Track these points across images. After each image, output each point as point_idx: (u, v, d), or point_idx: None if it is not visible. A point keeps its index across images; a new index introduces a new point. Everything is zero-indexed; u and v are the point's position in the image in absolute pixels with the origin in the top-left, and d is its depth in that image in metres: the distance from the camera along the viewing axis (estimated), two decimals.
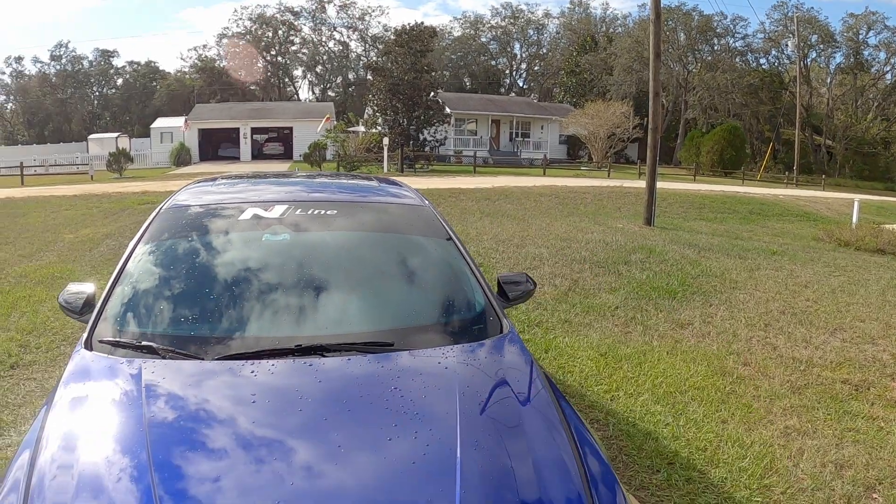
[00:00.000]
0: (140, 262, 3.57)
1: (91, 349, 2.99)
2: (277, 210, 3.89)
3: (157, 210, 4.09)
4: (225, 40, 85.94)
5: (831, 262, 13.32)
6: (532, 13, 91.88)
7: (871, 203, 29.23)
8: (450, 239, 3.93)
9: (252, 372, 2.74)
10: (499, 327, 3.33)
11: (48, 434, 2.42)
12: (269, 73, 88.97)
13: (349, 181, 5.81)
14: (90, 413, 2.55)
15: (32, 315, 8.22)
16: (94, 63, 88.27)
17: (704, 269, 11.46)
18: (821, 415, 5.71)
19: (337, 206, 4.15)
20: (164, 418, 2.47)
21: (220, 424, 2.50)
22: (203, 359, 2.88)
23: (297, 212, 3.91)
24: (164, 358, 2.87)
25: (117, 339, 3.02)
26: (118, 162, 38.87)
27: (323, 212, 3.97)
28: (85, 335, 3.10)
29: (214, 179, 5.10)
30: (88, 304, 3.57)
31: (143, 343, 2.96)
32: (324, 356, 2.88)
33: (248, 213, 3.87)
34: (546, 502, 2.23)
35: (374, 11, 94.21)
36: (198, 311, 3.26)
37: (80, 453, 2.29)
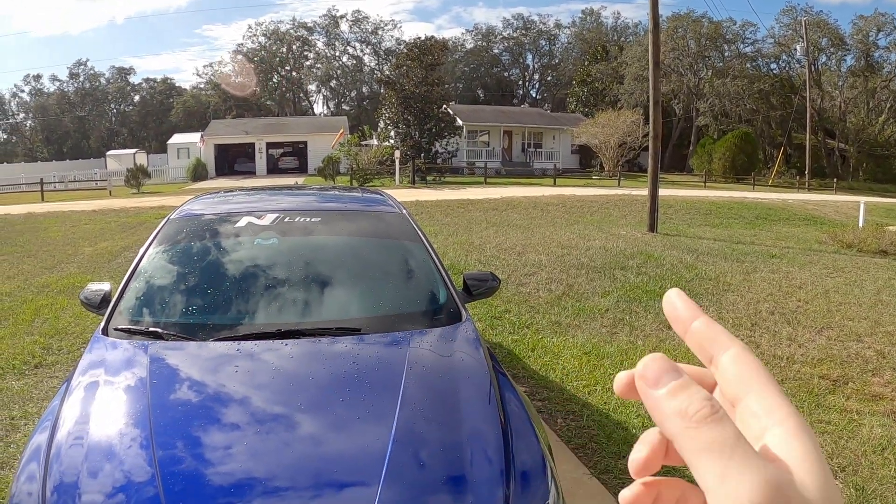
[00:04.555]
0: (149, 263, 4.17)
1: (107, 335, 3.59)
2: (269, 218, 4.45)
3: (165, 219, 4.68)
4: (239, 56, 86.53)
5: (830, 264, 13.52)
6: (544, 24, 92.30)
7: (881, 206, 29.12)
8: (420, 242, 4.40)
9: (237, 350, 3.30)
10: (458, 317, 3.77)
11: (70, 400, 2.97)
12: (283, 88, 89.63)
13: (336, 192, 6.34)
14: (106, 382, 3.06)
15: (54, 321, 8.76)
16: (111, 80, 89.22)
17: (700, 272, 11.72)
18: None
19: (321, 214, 4.71)
20: (165, 390, 3.00)
21: (211, 389, 3.11)
22: (199, 340, 3.44)
23: (286, 219, 4.47)
24: (167, 340, 3.46)
25: (129, 327, 3.60)
26: (136, 177, 39.33)
27: (308, 219, 4.52)
28: (102, 324, 3.71)
29: (217, 192, 5.74)
30: (105, 299, 4.15)
31: (150, 329, 3.56)
32: (299, 339, 3.41)
33: (243, 221, 4.44)
34: (463, 444, 2.70)
35: (386, 25, 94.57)
36: (197, 302, 3.86)
37: (94, 422, 2.76)
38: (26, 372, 6.85)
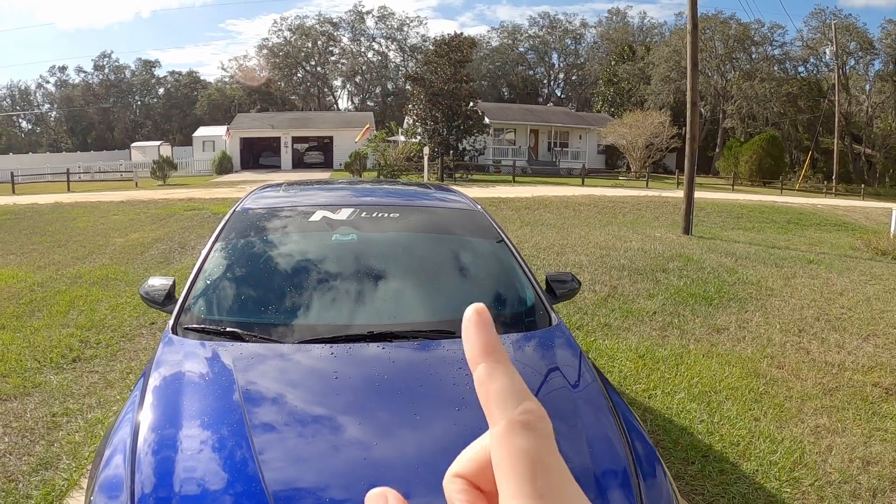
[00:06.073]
0: (217, 259, 3.92)
1: (177, 333, 3.32)
2: (344, 212, 4.26)
3: (230, 212, 4.45)
4: (265, 51, 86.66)
5: (867, 270, 13.42)
6: (570, 22, 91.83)
7: None
8: (502, 241, 4.25)
9: (332, 353, 3.08)
10: (548, 320, 3.63)
11: (147, 405, 2.73)
12: (308, 83, 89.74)
13: (407, 187, 6.17)
14: (187, 389, 2.83)
15: (90, 313, 8.70)
16: (136, 73, 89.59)
17: (741, 276, 11.68)
18: (850, 415, 5.93)
19: (399, 209, 4.51)
20: (256, 393, 2.79)
21: (310, 395, 2.85)
22: (284, 342, 3.21)
23: (363, 214, 4.27)
24: (247, 342, 3.19)
25: (203, 326, 3.35)
26: (162, 169, 39.45)
27: (386, 214, 4.33)
28: (171, 322, 3.44)
29: (280, 185, 5.48)
30: (170, 296, 3.94)
31: (228, 329, 3.29)
32: (392, 342, 3.20)
33: (317, 215, 4.22)
34: (596, 474, 2.46)
35: (412, 22, 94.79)
36: (276, 301, 3.61)
37: (184, 424, 2.57)
38: (64, 366, 6.71)
